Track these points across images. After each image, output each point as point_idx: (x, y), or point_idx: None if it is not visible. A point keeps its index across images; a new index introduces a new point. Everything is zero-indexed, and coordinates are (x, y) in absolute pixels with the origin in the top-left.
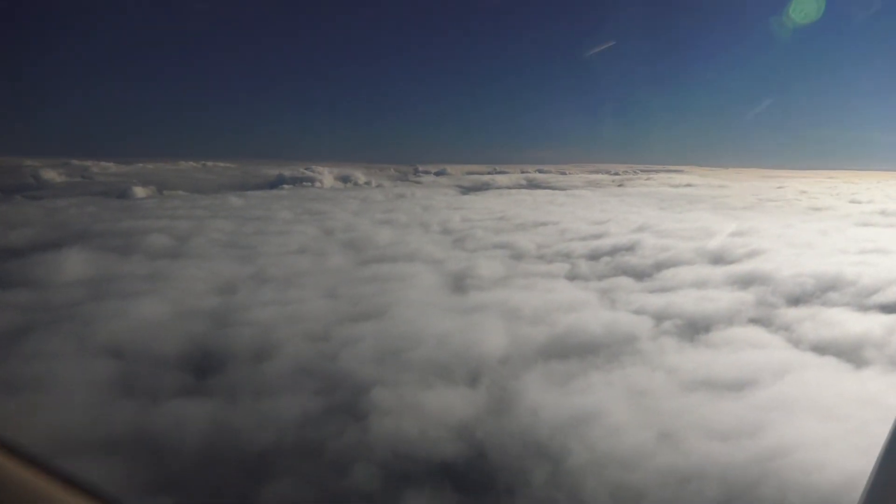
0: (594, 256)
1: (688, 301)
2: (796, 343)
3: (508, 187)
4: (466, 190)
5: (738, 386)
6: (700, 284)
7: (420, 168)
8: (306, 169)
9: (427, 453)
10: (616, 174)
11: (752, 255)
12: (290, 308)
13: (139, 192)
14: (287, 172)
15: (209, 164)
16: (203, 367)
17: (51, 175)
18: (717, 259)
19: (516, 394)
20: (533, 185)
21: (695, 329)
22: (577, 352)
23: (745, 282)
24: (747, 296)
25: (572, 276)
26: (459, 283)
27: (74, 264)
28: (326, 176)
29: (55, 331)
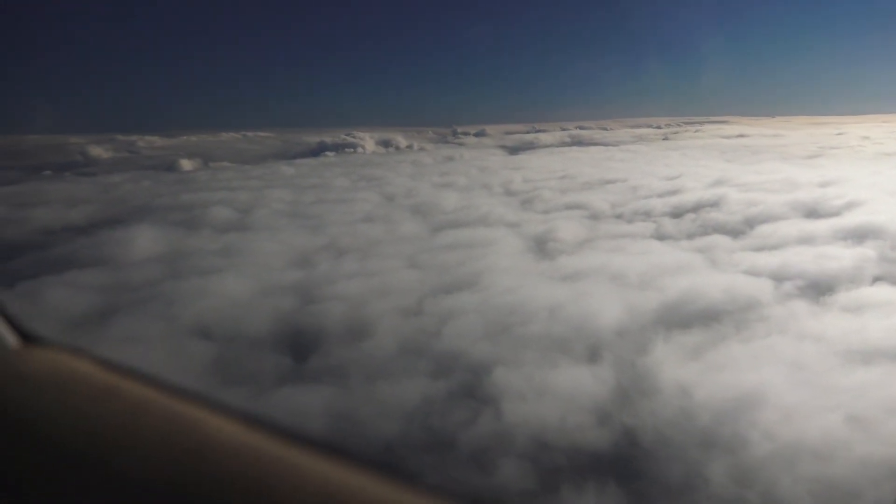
0: (677, 214)
1: (804, 260)
2: None
3: (555, 145)
4: (513, 150)
5: None
6: (807, 240)
7: (458, 129)
8: (347, 135)
9: (575, 443)
10: (659, 127)
11: (851, 206)
12: (376, 280)
13: (185, 164)
14: (328, 139)
15: (249, 134)
16: (301, 348)
17: (97, 151)
18: (813, 212)
19: (652, 371)
20: (578, 142)
21: (819, 290)
22: (698, 320)
23: (858, 236)
24: (866, 251)
25: (660, 236)
26: (543, 248)
27: (145, 240)
28: (368, 141)
29: (141, 312)
